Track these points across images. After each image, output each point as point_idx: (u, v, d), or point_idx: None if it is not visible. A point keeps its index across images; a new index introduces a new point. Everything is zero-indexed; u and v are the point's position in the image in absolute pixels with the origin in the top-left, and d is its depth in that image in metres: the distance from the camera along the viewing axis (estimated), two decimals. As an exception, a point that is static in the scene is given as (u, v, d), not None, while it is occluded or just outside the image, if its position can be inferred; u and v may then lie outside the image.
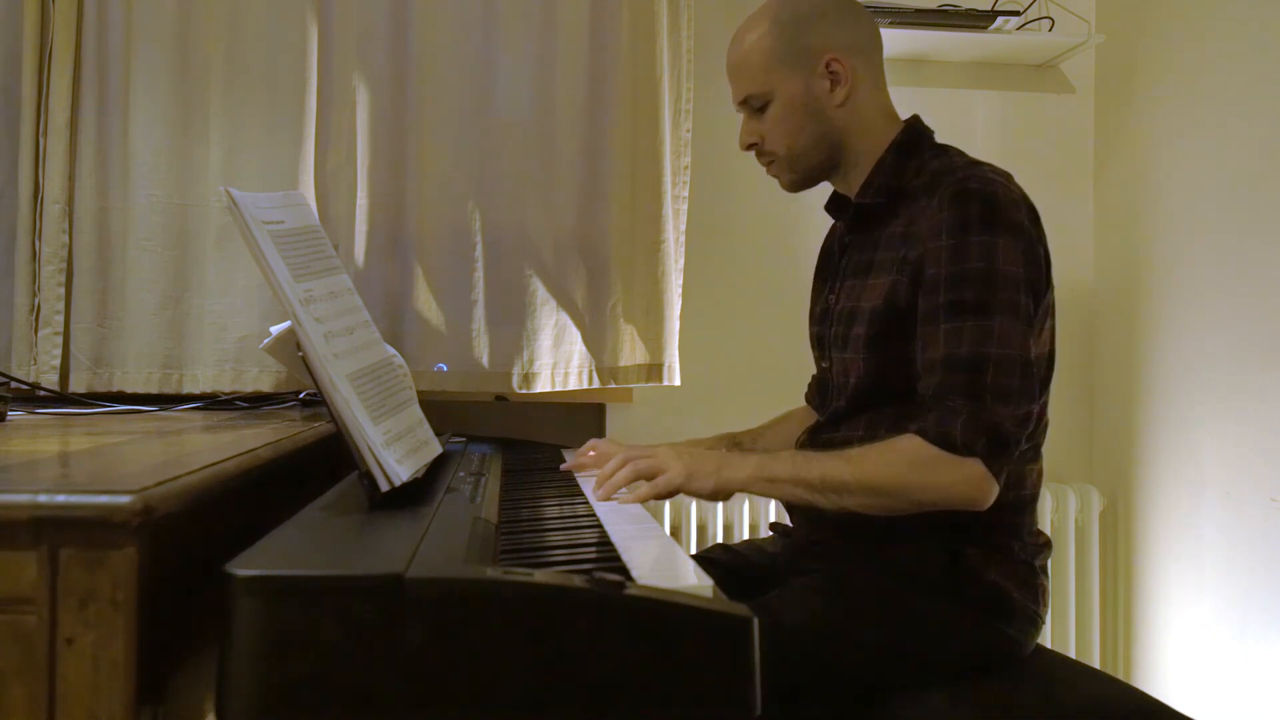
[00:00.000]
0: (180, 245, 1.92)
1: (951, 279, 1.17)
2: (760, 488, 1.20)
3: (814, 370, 1.51)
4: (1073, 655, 2.10)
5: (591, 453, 1.43)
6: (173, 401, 1.84)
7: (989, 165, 1.26)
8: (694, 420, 1.99)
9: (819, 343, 1.44)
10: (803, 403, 1.60)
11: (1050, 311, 1.25)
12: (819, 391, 1.51)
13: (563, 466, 1.46)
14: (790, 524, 1.44)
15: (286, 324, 1.08)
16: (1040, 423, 1.27)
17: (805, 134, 1.32)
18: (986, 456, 1.12)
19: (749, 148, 1.37)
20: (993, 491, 1.14)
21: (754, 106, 1.34)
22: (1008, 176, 1.24)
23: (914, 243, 1.22)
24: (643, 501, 1.20)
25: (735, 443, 1.56)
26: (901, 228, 1.26)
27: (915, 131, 1.34)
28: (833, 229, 1.49)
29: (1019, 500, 1.25)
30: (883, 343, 1.24)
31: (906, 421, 1.17)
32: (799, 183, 1.38)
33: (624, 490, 1.22)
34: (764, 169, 1.40)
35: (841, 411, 1.32)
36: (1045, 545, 1.28)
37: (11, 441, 1.14)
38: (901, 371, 1.22)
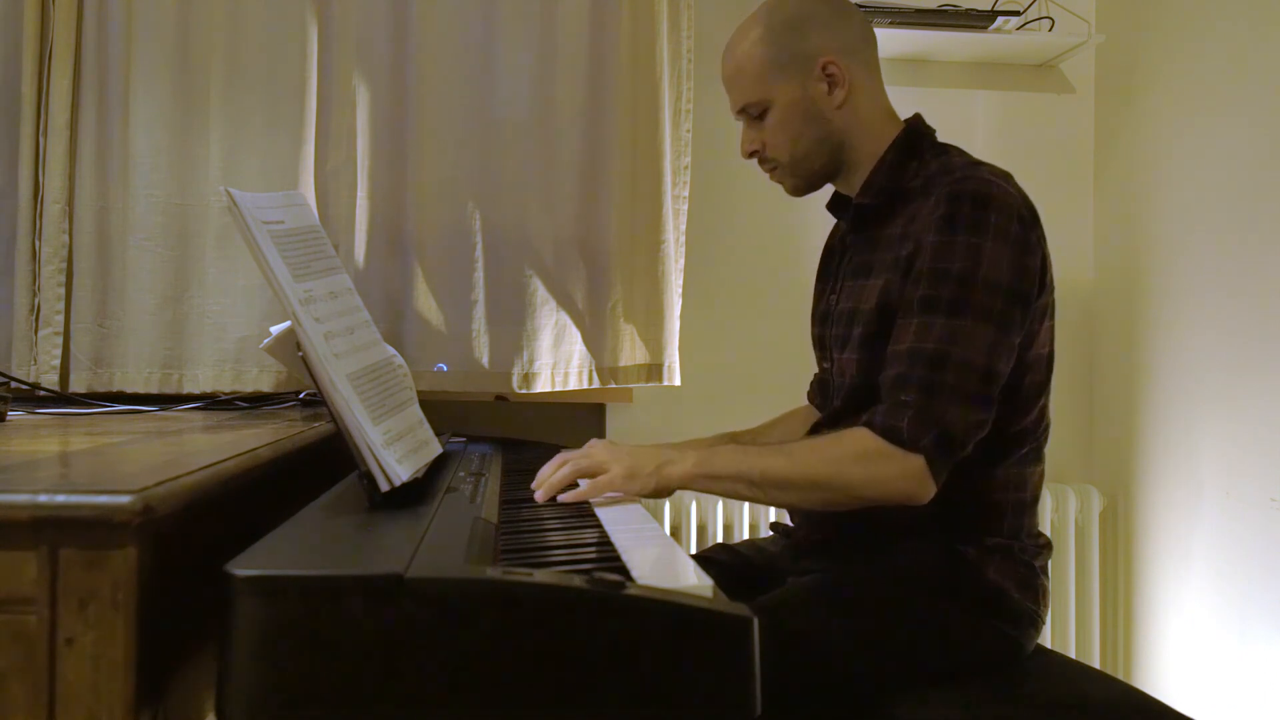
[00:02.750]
0: (180, 245, 1.92)
1: (932, 275, 1.17)
2: (702, 485, 1.19)
3: (815, 369, 1.51)
4: (1073, 655, 2.10)
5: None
6: (173, 401, 1.84)
7: (988, 166, 1.25)
8: (694, 420, 1.99)
9: (820, 343, 1.44)
10: (804, 401, 1.60)
11: (1049, 313, 1.25)
12: (820, 392, 1.51)
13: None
14: (791, 524, 1.44)
15: (286, 324, 1.08)
16: (1042, 424, 1.27)
17: (806, 139, 1.32)
18: (930, 453, 1.11)
19: (751, 155, 1.36)
20: (929, 490, 1.12)
21: (752, 115, 1.33)
22: (1007, 177, 1.22)
23: (909, 241, 1.22)
24: (580, 501, 1.17)
25: (734, 441, 1.56)
26: (900, 228, 1.25)
27: (916, 132, 1.33)
28: (835, 229, 1.49)
29: (1020, 503, 1.24)
30: (878, 342, 1.23)
31: None
32: (803, 188, 1.38)
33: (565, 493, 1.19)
34: (767, 173, 1.39)
35: (839, 411, 1.32)
36: (1045, 546, 1.28)
37: (11, 441, 1.14)
38: None
